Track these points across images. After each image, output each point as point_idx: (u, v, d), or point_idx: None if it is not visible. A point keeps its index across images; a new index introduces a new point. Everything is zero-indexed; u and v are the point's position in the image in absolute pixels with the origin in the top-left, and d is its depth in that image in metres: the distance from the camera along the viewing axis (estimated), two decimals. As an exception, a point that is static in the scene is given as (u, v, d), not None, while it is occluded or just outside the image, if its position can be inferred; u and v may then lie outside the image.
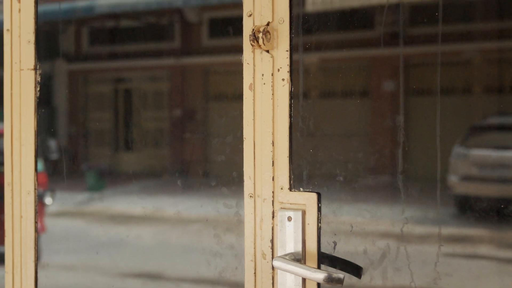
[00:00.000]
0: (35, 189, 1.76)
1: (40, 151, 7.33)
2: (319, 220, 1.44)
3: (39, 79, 1.76)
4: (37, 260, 1.75)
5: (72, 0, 8.72)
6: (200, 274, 5.71)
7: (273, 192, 1.48)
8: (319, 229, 1.43)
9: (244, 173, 1.51)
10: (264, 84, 1.49)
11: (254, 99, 1.50)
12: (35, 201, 1.76)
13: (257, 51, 1.49)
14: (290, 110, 1.46)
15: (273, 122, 1.47)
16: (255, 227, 1.51)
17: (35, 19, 1.76)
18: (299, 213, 1.44)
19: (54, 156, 7.57)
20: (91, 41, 9.94)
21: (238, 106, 1.61)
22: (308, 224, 1.44)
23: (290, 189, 1.47)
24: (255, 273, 1.50)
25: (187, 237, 6.53)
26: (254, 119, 1.50)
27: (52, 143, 7.70)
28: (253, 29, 1.47)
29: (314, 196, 1.44)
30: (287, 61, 1.45)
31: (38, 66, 1.76)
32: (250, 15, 1.50)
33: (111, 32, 8.94)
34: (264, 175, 1.50)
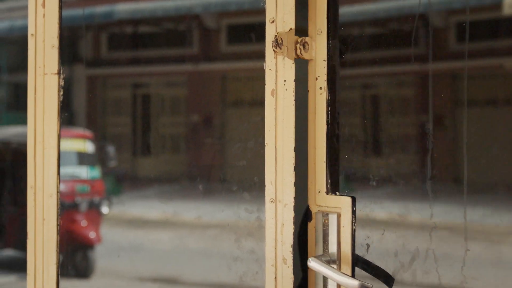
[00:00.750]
0: (57, 192, 1.78)
1: (97, 157, 7.33)
2: (353, 223, 1.47)
3: (62, 83, 1.78)
4: (59, 263, 1.77)
5: (91, 6, 8.79)
6: (221, 278, 5.72)
7: (308, 195, 1.52)
8: (353, 231, 1.47)
9: (265, 178, 1.52)
10: (286, 90, 1.50)
11: (276, 105, 1.51)
12: (57, 203, 1.78)
13: (279, 57, 1.50)
14: (327, 117, 1.48)
15: (308, 128, 1.50)
16: (276, 232, 1.52)
17: (59, 24, 1.78)
18: (335, 216, 1.48)
19: (113, 163, 7.46)
20: (110, 46, 10.00)
21: (256, 112, 1.63)
22: (343, 226, 1.47)
23: (327, 192, 1.50)
24: (275, 277, 1.51)
25: (206, 242, 6.54)
26: (276, 125, 1.51)
27: (111, 149, 7.56)
28: (276, 35, 1.48)
29: (348, 200, 1.47)
30: (325, 71, 1.48)
31: (61, 71, 1.78)
32: (272, 22, 1.51)
33: (130, 38, 9.00)
34: (285, 180, 1.50)
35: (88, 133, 7.62)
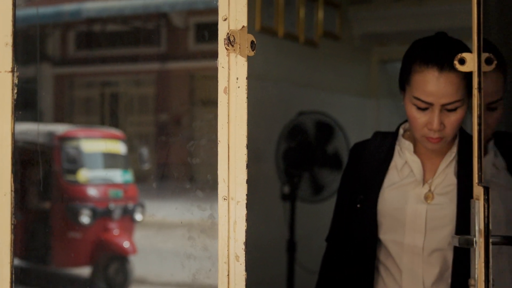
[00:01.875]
0: (11, 190, 1.77)
1: (130, 160, 6.73)
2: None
3: (16, 81, 1.76)
4: (12, 263, 1.76)
5: (58, 4, 8.71)
6: (175, 277, 5.69)
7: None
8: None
9: (218, 176, 1.52)
10: (239, 87, 1.50)
11: (228, 103, 1.51)
12: (11, 203, 1.76)
13: (232, 55, 1.50)
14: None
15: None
16: (228, 230, 1.52)
17: (13, 21, 1.77)
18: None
19: (147, 166, 6.89)
20: (77, 45, 9.92)
21: (211, 110, 1.62)
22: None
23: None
24: (228, 275, 1.52)
25: (164, 241, 6.49)
26: (228, 122, 1.51)
27: (145, 152, 7.00)
28: (228, 33, 1.49)
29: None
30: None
31: (15, 69, 1.76)
32: (225, 19, 1.51)
33: (98, 36, 8.92)
34: (238, 178, 1.51)
35: (120, 133, 7.05)
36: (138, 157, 6.96)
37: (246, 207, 1.51)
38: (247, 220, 1.51)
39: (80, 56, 9.87)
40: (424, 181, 2.08)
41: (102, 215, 6.12)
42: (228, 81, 1.51)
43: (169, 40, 9.34)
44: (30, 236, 5.78)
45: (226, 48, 1.49)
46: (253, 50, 1.53)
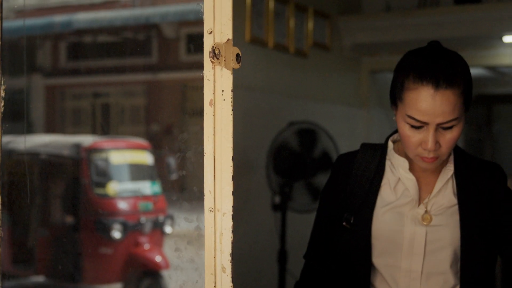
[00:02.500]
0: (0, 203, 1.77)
1: (157, 170, 6.46)
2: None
3: (3, 94, 1.77)
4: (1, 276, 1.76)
5: (49, 15, 8.73)
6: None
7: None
8: None
9: (204, 188, 1.53)
10: (224, 100, 1.51)
11: (214, 115, 1.52)
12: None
13: (217, 67, 1.51)
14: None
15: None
16: (215, 241, 1.53)
17: None
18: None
19: (175, 176, 6.44)
20: (68, 56, 9.92)
21: (197, 122, 1.63)
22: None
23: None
24: (215, 286, 1.52)
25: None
26: (214, 134, 1.52)
27: (172, 161, 6.56)
28: (213, 46, 1.50)
29: None
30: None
31: (2, 82, 1.77)
32: (210, 32, 1.52)
33: (88, 47, 8.93)
34: (223, 190, 1.52)
35: (145, 143, 6.92)
36: (165, 167, 6.61)
37: (233, 219, 1.52)
38: (236, 231, 1.52)
39: (71, 67, 9.87)
40: (420, 200, 1.96)
41: (132, 229, 5.92)
42: (214, 93, 1.52)
43: (160, 51, 9.35)
44: (56, 252, 5.58)
45: (211, 61, 1.50)
46: (238, 63, 1.54)
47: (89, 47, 8.84)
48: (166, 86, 9.59)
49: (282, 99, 5.07)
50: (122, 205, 6.07)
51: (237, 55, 1.54)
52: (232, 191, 1.51)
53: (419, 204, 1.95)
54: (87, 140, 6.36)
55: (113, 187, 6.06)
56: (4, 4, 1.83)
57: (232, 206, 1.51)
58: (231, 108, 1.51)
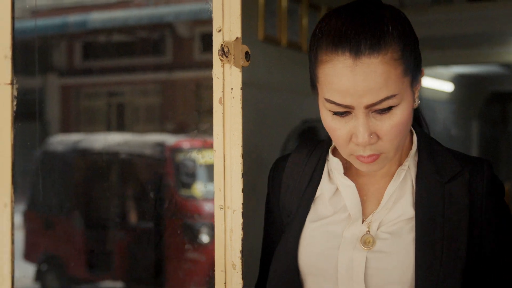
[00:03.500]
0: (11, 201, 1.79)
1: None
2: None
3: (15, 93, 1.79)
4: (13, 273, 1.78)
5: (64, 15, 8.78)
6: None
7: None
8: None
9: (214, 185, 1.54)
10: (234, 98, 1.52)
11: (223, 113, 1.53)
12: (11, 213, 1.78)
13: (227, 65, 1.52)
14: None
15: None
16: (225, 238, 1.53)
17: (11, 34, 1.79)
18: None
19: None
20: (83, 55, 9.98)
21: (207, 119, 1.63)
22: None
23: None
24: (225, 283, 1.53)
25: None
26: (223, 132, 1.53)
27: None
28: (222, 44, 1.50)
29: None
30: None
31: (15, 81, 1.79)
32: (219, 31, 1.53)
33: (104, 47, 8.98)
34: (233, 187, 1.53)
35: None
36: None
37: (243, 216, 1.52)
38: (248, 228, 1.53)
39: (86, 67, 9.93)
40: (364, 216, 1.42)
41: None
42: (223, 91, 1.53)
43: (174, 50, 9.38)
44: (136, 257, 5.29)
45: (221, 59, 1.51)
46: (247, 61, 1.55)
47: (104, 47, 8.88)
48: (181, 84, 9.62)
49: (295, 97, 5.07)
50: (209, 207, 5.65)
51: (246, 53, 1.55)
52: (242, 189, 1.52)
53: (362, 221, 1.42)
54: (169, 139, 6.04)
55: (199, 188, 5.77)
56: (19, 4, 1.85)
57: (242, 204, 1.52)
58: (240, 105, 1.52)
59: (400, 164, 1.44)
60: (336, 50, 1.31)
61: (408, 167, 1.43)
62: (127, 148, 5.76)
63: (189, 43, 9.27)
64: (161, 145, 5.76)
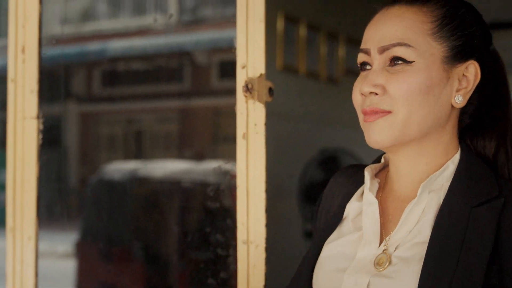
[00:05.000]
0: (36, 234, 1.80)
1: None
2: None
3: (41, 127, 1.81)
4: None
5: (83, 44, 8.88)
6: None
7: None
8: None
9: (237, 220, 1.55)
10: (257, 133, 1.53)
11: (247, 148, 1.55)
12: (36, 246, 1.80)
13: (250, 101, 1.54)
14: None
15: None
16: (248, 273, 1.54)
17: (38, 69, 1.82)
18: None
19: None
20: (102, 83, 10.08)
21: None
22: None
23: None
24: (248, 318, 1.53)
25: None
26: (247, 168, 1.54)
27: None
28: (246, 81, 1.52)
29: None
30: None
31: (40, 115, 1.81)
32: (243, 67, 1.55)
33: (123, 75, 9.06)
34: (257, 222, 1.53)
35: None
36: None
37: (266, 251, 1.53)
38: (267, 260, 1.53)
39: (105, 94, 10.01)
40: (382, 236, 1.26)
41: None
42: (247, 127, 1.55)
43: (193, 78, 9.44)
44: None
45: (245, 95, 1.53)
46: (271, 96, 1.56)
47: (123, 75, 8.97)
48: (199, 112, 9.67)
49: (314, 126, 5.08)
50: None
51: (270, 88, 1.57)
52: (266, 223, 1.53)
53: (381, 242, 1.25)
54: (230, 166, 5.89)
55: None
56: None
57: (266, 238, 1.53)
58: (264, 141, 1.53)
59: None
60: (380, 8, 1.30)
61: (442, 185, 1.24)
62: (190, 176, 5.59)
63: (207, 71, 9.33)
64: (226, 172, 5.62)
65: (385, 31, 1.23)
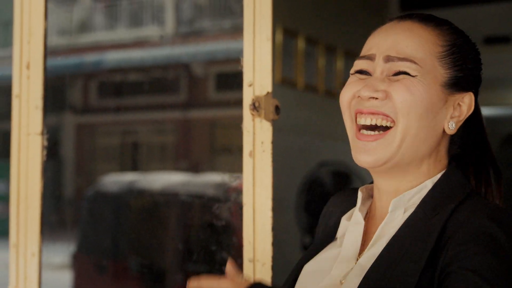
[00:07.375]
0: (39, 251, 1.80)
1: None
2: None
3: (45, 143, 1.81)
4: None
5: (81, 55, 8.88)
6: None
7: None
8: None
9: (243, 238, 1.54)
10: (264, 151, 1.53)
11: (254, 166, 1.54)
12: (39, 263, 1.79)
13: (257, 119, 1.54)
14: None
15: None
16: (254, 292, 1.54)
17: (43, 85, 1.82)
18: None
19: None
20: (99, 94, 10.07)
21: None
22: None
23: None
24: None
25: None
26: (254, 186, 1.54)
27: None
28: (253, 99, 1.52)
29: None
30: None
31: (45, 131, 1.81)
32: (250, 85, 1.55)
33: (120, 86, 9.05)
34: (263, 241, 1.53)
35: None
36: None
37: (272, 269, 1.53)
38: (272, 282, 1.53)
39: (102, 106, 10.00)
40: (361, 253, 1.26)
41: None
42: (254, 145, 1.55)
43: (190, 89, 9.44)
44: None
45: (251, 114, 1.53)
46: (277, 114, 1.56)
47: (120, 86, 8.96)
48: (196, 124, 9.67)
49: (312, 139, 5.08)
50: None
51: (276, 106, 1.57)
52: (272, 242, 1.53)
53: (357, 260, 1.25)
54: (226, 179, 5.83)
55: None
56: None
57: (272, 257, 1.53)
58: (270, 159, 1.53)
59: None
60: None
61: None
62: (187, 188, 5.53)
63: (204, 82, 9.34)
64: (222, 185, 5.56)
65: (395, 41, 1.22)
